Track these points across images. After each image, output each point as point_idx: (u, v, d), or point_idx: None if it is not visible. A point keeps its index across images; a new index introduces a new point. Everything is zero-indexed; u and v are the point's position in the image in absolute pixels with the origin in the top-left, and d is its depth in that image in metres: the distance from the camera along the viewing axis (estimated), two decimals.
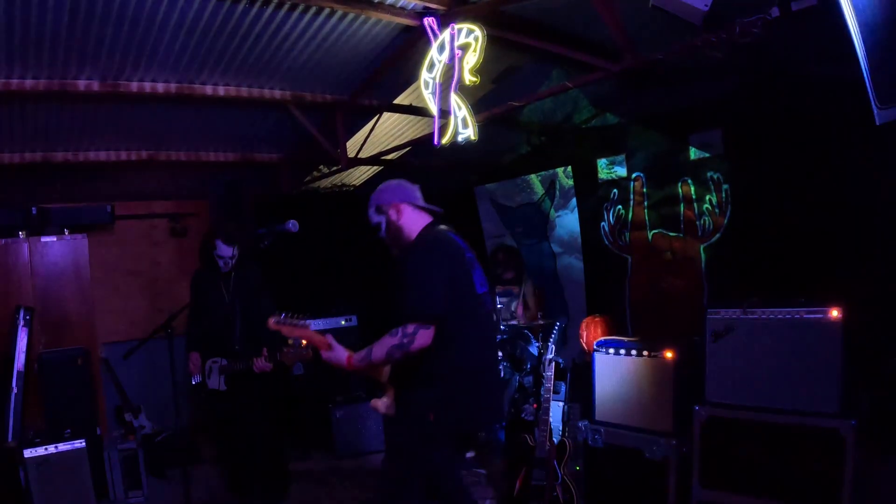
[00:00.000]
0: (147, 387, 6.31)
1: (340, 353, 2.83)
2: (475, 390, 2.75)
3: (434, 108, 3.76)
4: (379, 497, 2.86)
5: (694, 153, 4.74)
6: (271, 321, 3.00)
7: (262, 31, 3.84)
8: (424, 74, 3.73)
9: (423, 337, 2.60)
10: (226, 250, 4.29)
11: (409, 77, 4.60)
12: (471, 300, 2.79)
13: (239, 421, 4.38)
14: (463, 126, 3.68)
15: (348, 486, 5.03)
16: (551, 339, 4.20)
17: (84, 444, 4.29)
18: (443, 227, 2.93)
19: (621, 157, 5.29)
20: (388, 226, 2.92)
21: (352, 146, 5.63)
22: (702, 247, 4.71)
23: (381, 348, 2.67)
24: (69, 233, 5.33)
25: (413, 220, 2.91)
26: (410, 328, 2.60)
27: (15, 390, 4.47)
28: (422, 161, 6.07)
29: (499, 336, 4.89)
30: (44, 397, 4.71)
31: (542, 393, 4.05)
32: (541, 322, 4.87)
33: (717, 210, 4.59)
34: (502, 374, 4.87)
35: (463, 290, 2.75)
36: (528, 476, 3.94)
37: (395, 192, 2.96)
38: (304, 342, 3.43)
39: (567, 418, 4.33)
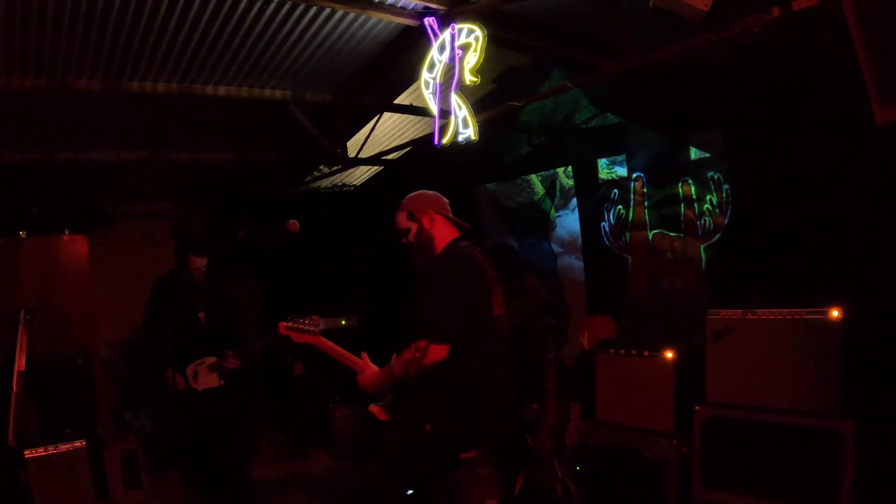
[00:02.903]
0: (147, 386, 6.31)
1: (371, 372, 2.88)
2: (475, 410, 2.74)
3: (434, 108, 3.76)
4: (366, 496, 2.88)
5: (694, 153, 4.73)
6: (281, 326, 3.00)
7: (262, 31, 3.83)
8: (425, 74, 3.73)
9: (436, 353, 2.61)
10: (199, 262, 4.37)
11: (409, 77, 4.60)
12: (486, 321, 2.78)
13: (230, 417, 4.37)
14: (463, 126, 3.68)
15: (347, 486, 5.02)
16: (551, 339, 4.20)
17: (84, 443, 4.29)
18: (467, 243, 2.92)
19: (622, 157, 5.29)
20: (420, 233, 2.89)
21: (352, 146, 5.62)
22: (702, 247, 4.71)
23: (399, 363, 2.70)
24: (69, 233, 5.33)
25: (443, 233, 2.90)
26: (422, 343, 2.61)
27: (15, 390, 4.46)
28: (422, 161, 6.07)
29: None
30: (44, 397, 4.71)
31: (542, 393, 4.05)
32: (540, 321, 4.86)
33: (717, 210, 4.59)
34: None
35: (480, 310, 2.75)
36: (528, 476, 3.94)
37: (432, 201, 2.94)
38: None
39: (567, 418, 4.33)
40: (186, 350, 4.37)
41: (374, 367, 2.89)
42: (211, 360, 4.32)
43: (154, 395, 6.30)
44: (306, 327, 2.98)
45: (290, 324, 2.99)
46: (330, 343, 2.97)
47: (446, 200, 3.00)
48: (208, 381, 4.31)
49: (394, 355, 2.84)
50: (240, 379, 4.41)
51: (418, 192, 3.00)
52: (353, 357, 2.94)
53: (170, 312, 4.40)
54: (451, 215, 2.96)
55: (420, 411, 2.73)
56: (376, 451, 2.87)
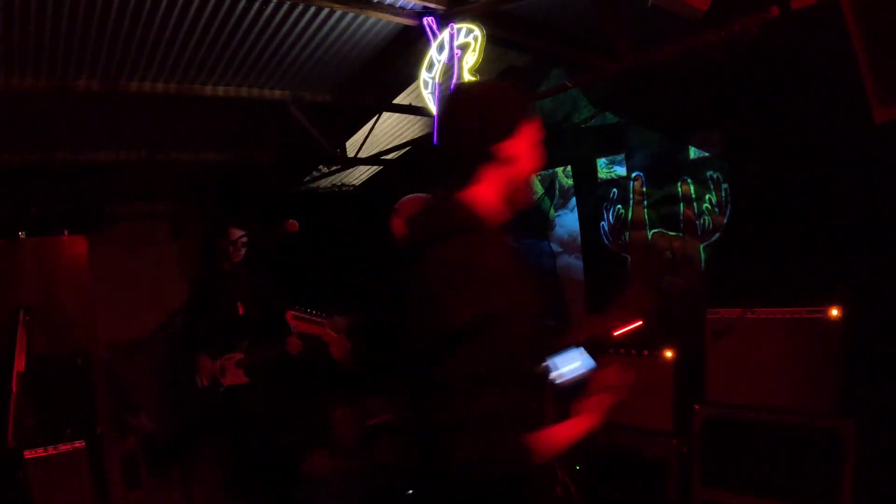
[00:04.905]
0: (147, 387, 6.31)
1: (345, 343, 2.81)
2: None
3: (433, 108, 3.76)
4: (370, 494, 2.85)
5: (693, 152, 4.73)
6: (289, 315, 2.97)
7: (261, 31, 3.83)
8: (424, 74, 3.73)
9: None
10: (237, 233, 4.30)
11: (408, 77, 4.60)
12: None
13: (257, 416, 4.36)
14: None
15: (348, 486, 5.02)
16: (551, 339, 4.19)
17: (84, 444, 4.29)
18: None
19: (621, 157, 5.29)
20: None
21: (351, 146, 5.62)
22: (701, 246, 4.71)
23: None
24: (69, 233, 5.33)
25: None
26: None
27: (15, 390, 4.46)
28: (421, 161, 6.06)
29: None
30: (44, 397, 4.70)
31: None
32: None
33: (716, 209, 4.59)
34: None
35: None
36: None
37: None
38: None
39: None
40: (223, 341, 4.30)
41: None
42: (238, 356, 4.25)
43: (167, 393, 6.32)
44: (315, 318, 2.96)
45: (298, 313, 2.97)
46: (334, 335, 2.94)
47: None
48: (235, 376, 4.26)
49: None
50: (268, 376, 4.36)
51: (411, 195, 2.99)
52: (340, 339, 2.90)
53: (209, 301, 4.37)
54: None
55: None
56: (380, 450, 2.86)
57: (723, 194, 4.53)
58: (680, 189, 4.81)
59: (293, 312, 2.97)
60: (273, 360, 4.24)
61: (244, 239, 4.34)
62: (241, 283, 4.39)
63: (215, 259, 4.45)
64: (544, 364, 1.72)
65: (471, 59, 3.42)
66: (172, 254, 6.88)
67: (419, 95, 4.15)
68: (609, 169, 5.39)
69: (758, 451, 3.39)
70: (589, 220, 5.63)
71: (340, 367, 2.93)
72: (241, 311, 4.34)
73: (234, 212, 4.36)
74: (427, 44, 3.68)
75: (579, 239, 5.82)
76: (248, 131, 5.54)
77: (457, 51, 3.49)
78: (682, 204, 4.82)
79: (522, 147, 1.50)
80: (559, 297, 6.02)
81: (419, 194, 2.99)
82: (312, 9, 3.66)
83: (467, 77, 3.46)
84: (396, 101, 5.18)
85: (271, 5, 3.57)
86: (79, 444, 4.27)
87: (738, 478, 3.46)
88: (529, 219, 6.32)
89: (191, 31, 3.73)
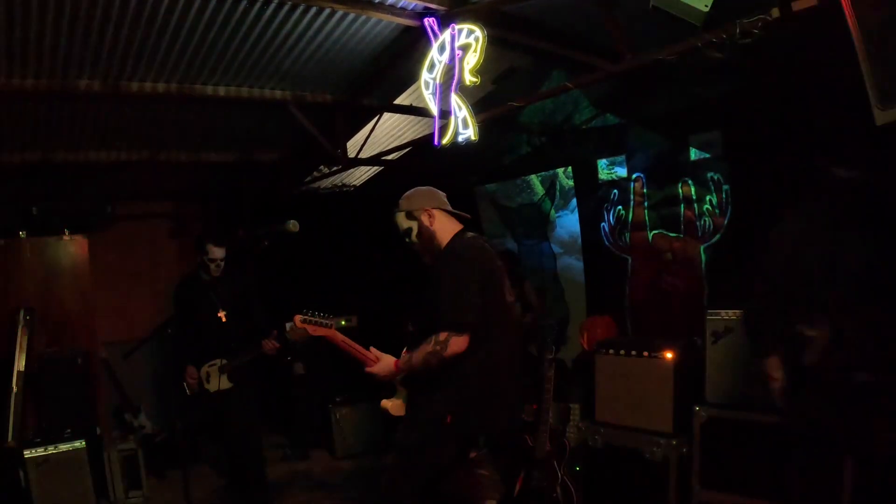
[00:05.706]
0: (147, 387, 6.32)
1: (388, 362, 2.85)
2: (494, 396, 2.74)
3: (434, 109, 3.76)
4: (381, 494, 2.86)
5: (694, 154, 4.74)
6: (297, 318, 3.00)
7: (262, 31, 3.83)
8: (425, 75, 3.73)
9: (457, 344, 2.60)
10: (217, 252, 4.40)
11: (409, 77, 4.60)
12: (499, 308, 2.78)
13: (240, 419, 4.40)
14: (463, 126, 3.68)
15: (348, 486, 5.02)
16: (551, 340, 4.19)
17: (84, 443, 4.30)
18: (472, 234, 2.92)
19: (621, 158, 5.29)
20: (421, 232, 2.88)
21: (352, 146, 5.62)
22: (702, 247, 4.71)
23: (419, 355, 2.68)
24: (69, 233, 5.33)
25: (445, 227, 2.89)
26: (442, 336, 2.60)
27: (15, 390, 4.47)
28: (422, 161, 6.06)
29: None
30: (44, 397, 4.71)
31: (541, 393, 4.05)
32: (541, 322, 4.86)
33: (717, 210, 4.59)
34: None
35: (493, 298, 2.74)
36: (527, 477, 3.94)
37: (427, 197, 2.93)
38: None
39: (567, 419, 4.33)
40: (208, 349, 4.41)
41: (390, 357, 2.87)
42: (221, 361, 4.35)
43: (166, 393, 6.34)
44: (323, 320, 2.98)
45: (306, 316, 2.99)
46: (344, 337, 2.97)
47: (442, 193, 2.99)
48: (220, 382, 4.35)
49: (404, 350, 2.84)
50: (250, 380, 4.46)
51: (412, 189, 2.99)
52: (364, 350, 2.93)
53: (192, 312, 4.45)
54: (449, 208, 2.95)
55: (440, 403, 2.71)
56: (392, 446, 2.86)
57: (723, 195, 4.54)
58: (680, 190, 4.82)
59: (301, 316, 2.99)
60: (252, 363, 4.34)
61: (221, 261, 4.44)
62: (222, 292, 4.48)
63: (196, 269, 4.56)
64: None
65: (472, 59, 3.41)
66: (172, 254, 6.89)
67: (420, 96, 4.14)
68: (610, 170, 5.39)
69: (758, 452, 3.39)
70: (589, 221, 5.64)
71: (348, 367, 2.94)
72: (223, 320, 4.44)
73: (213, 230, 4.44)
74: (428, 44, 3.67)
75: (580, 240, 5.83)
76: (248, 131, 5.54)
77: (458, 51, 3.48)
78: (682, 205, 4.82)
79: None
80: (560, 297, 6.03)
81: (421, 187, 3.00)
82: (313, 9, 3.66)
83: (468, 78, 3.46)
84: (397, 101, 5.17)
85: (272, 6, 3.57)
86: (79, 443, 4.28)
87: (738, 478, 3.46)
88: (530, 220, 6.33)
89: (192, 32, 3.73)
